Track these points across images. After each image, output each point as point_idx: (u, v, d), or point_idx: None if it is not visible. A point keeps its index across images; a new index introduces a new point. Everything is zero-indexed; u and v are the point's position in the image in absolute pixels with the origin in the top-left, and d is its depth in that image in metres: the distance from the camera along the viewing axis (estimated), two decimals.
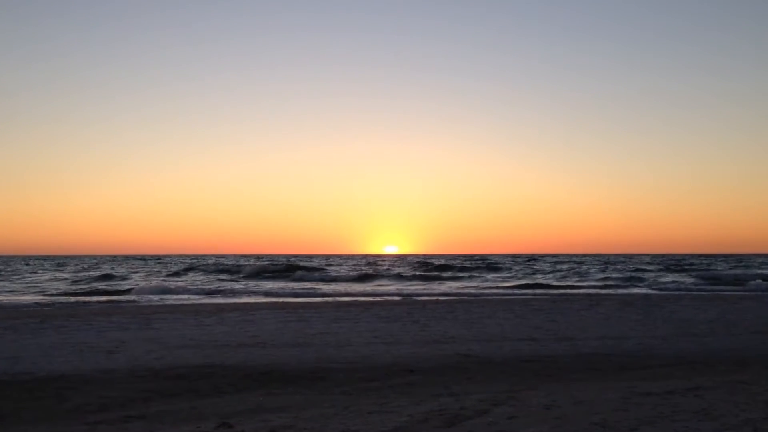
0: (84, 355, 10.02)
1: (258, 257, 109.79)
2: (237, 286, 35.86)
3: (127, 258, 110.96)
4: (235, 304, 22.76)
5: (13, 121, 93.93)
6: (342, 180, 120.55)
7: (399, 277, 45.02)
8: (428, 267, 57.37)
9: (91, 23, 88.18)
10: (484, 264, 63.85)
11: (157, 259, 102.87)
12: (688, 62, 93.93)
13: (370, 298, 26.26)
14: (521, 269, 55.02)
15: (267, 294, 29.96)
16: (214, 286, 35.73)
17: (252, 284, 37.81)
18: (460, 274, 47.97)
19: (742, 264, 66.21)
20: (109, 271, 51.72)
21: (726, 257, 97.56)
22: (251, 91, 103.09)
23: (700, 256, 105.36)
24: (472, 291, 32.49)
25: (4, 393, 7.28)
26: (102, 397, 7.04)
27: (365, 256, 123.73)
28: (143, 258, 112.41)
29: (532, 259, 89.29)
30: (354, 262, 77.76)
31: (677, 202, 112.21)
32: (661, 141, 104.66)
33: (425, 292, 31.52)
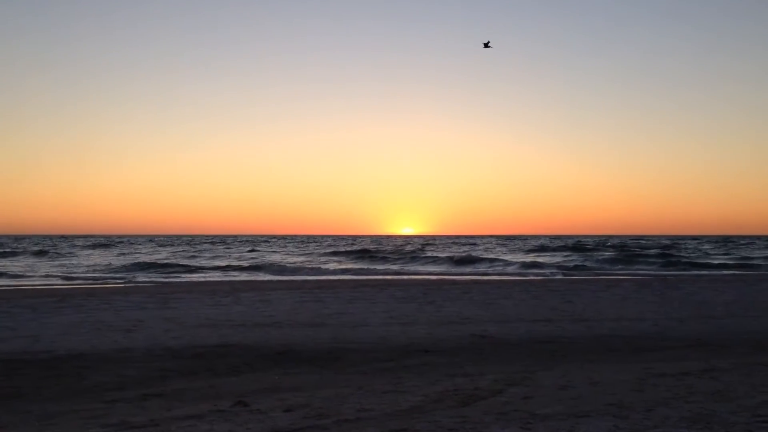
0: (102, 334, 10.15)
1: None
2: None
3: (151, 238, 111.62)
4: (251, 283, 22.92)
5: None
6: (363, 165, 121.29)
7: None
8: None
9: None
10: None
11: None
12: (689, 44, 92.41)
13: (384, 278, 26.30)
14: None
15: None
16: None
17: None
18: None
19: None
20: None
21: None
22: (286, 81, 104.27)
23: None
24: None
25: (25, 371, 7.41)
26: (120, 376, 7.14)
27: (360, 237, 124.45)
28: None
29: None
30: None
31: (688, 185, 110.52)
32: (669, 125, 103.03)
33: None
